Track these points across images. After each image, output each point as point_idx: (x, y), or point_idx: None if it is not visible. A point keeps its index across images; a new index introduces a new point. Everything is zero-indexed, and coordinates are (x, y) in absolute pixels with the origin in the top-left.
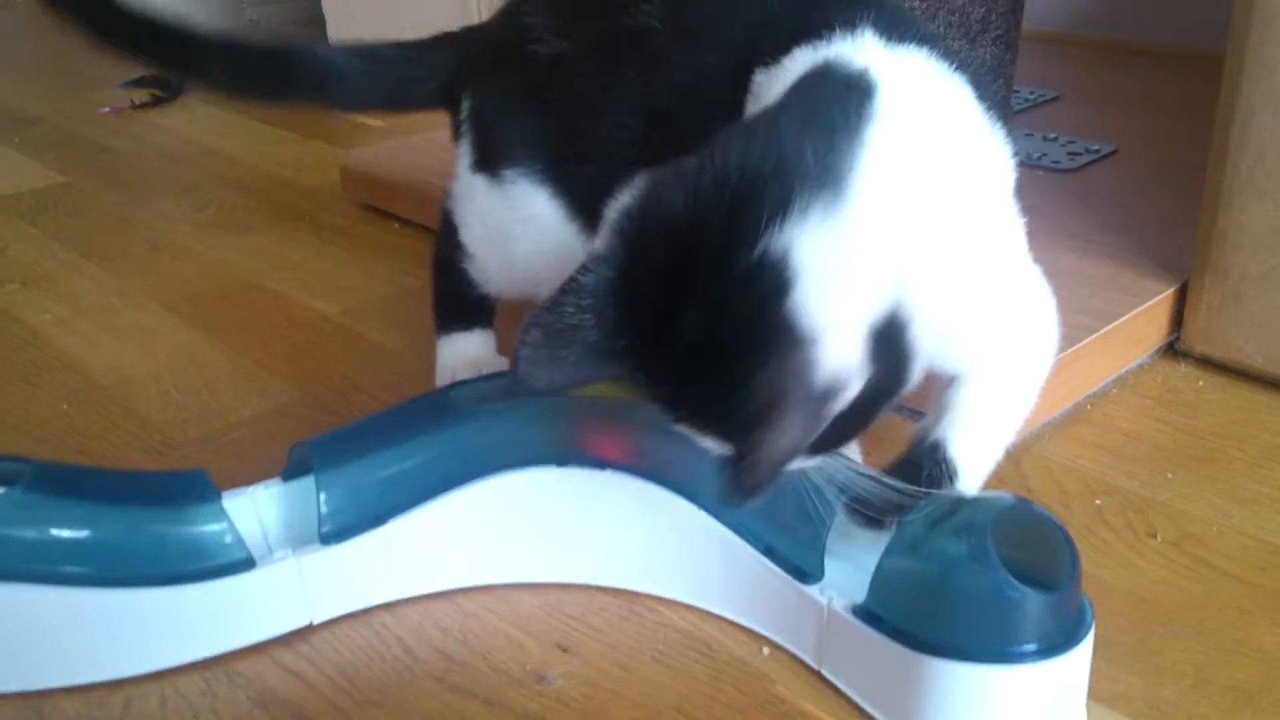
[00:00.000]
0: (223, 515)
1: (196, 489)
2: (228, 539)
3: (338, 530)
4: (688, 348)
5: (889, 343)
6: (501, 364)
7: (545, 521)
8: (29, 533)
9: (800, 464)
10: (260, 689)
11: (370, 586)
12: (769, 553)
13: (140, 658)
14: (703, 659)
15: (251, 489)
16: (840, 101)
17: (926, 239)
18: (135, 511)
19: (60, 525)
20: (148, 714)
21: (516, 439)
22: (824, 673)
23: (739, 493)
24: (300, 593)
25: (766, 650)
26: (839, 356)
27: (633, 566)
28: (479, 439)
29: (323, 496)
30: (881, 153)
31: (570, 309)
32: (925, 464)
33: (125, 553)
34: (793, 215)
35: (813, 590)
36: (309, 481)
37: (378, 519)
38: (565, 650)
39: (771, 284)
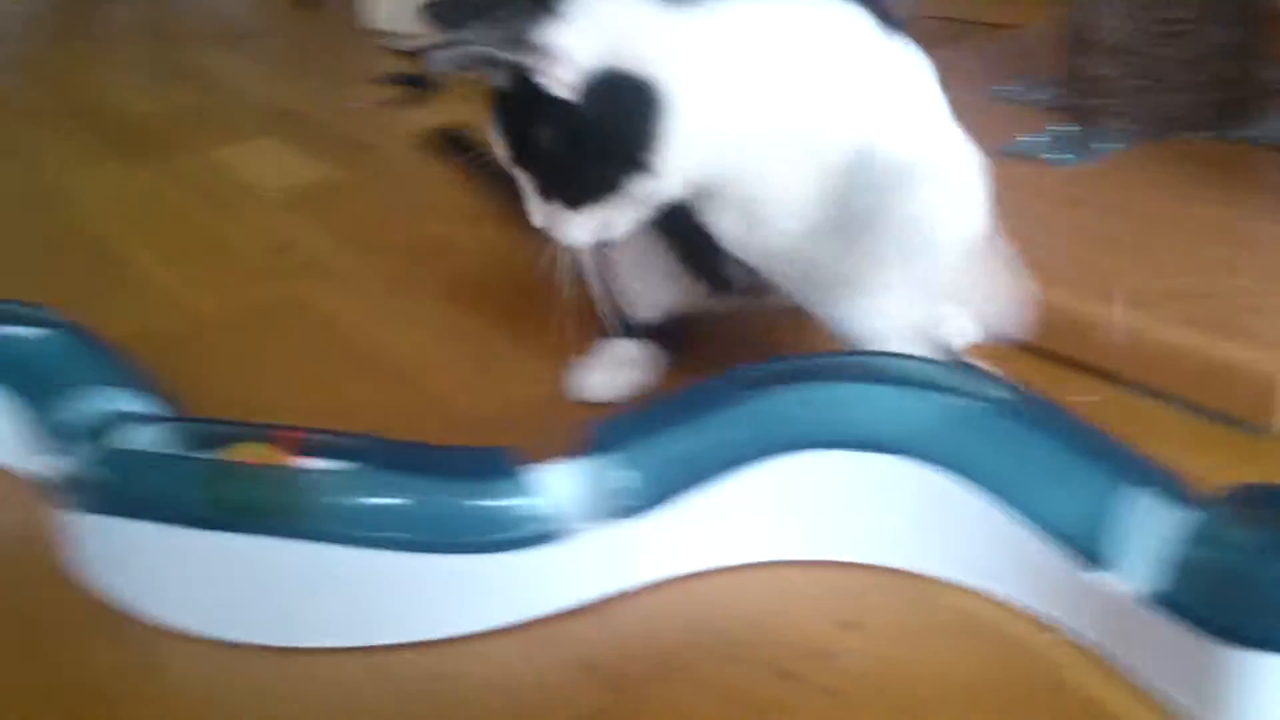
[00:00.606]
0: (532, 489)
1: (505, 464)
2: (538, 512)
3: (633, 507)
4: None
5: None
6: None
7: (823, 501)
8: (373, 502)
9: None
10: (573, 654)
11: (660, 562)
12: (1056, 536)
13: (465, 620)
14: (987, 641)
15: (548, 465)
16: None
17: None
18: (457, 484)
19: (395, 496)
20: (477, 671)
21: (797, 421)
22: (1112, 660)
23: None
24: (598, 566)
25: (1050, 634)
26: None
27: (909, 546)
28: (766, 420)
29: (619, 474)
30: None
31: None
32: None
33: (450, 522)
34: None
35: (1102, 575)
36: (604, 459)
37: (668, 496)
38: (848, 627)
39: None
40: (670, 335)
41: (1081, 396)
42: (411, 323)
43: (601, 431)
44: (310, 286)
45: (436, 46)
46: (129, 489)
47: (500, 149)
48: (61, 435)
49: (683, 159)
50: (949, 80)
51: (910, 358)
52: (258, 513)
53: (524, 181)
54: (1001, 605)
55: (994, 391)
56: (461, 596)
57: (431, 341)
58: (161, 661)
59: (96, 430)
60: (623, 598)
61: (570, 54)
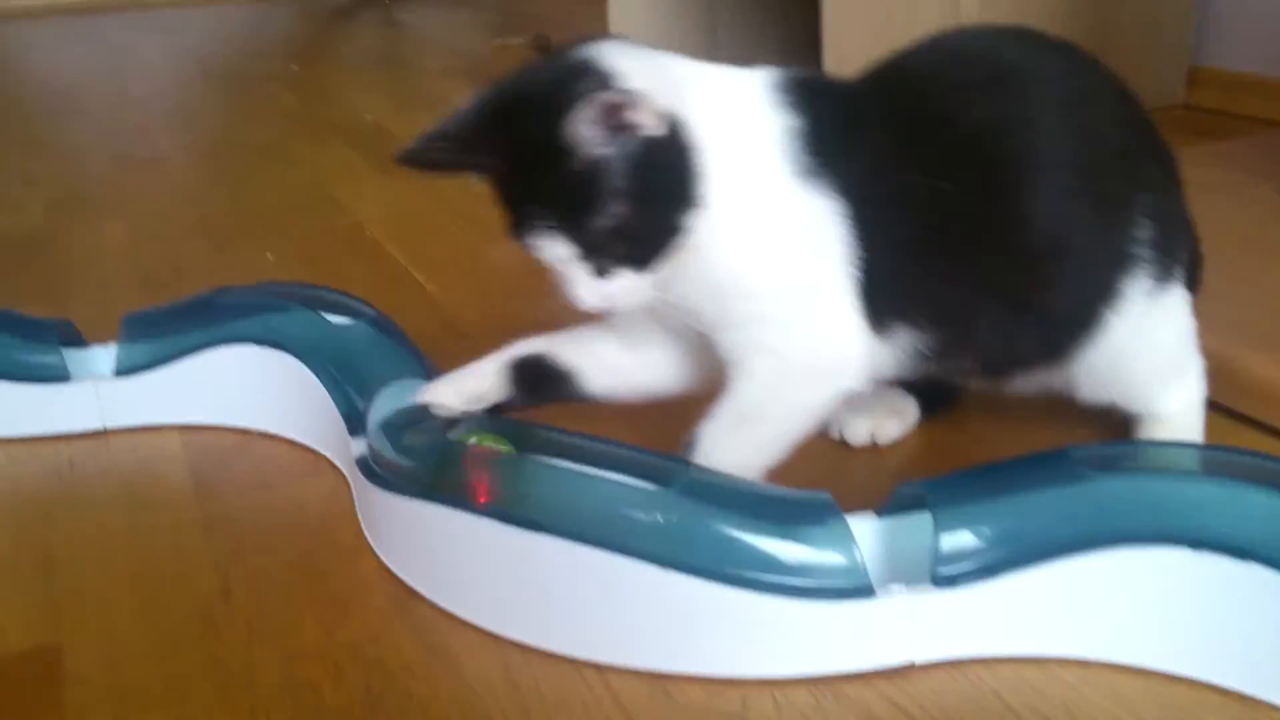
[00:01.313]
0: (853, 540)
1: (824, 510)
2: (854, 565)
3: (953, 575)
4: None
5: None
6: None
7: (1167, 605)
8: (680, 524)
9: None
10: (865, 714)
11: (972, 637)
12: None
13: (756, 661)
14: None
15: (853, 518)
16: None
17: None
18: (776, 525)
19: (706, 523)
20: (764, 714)
21: (1147, 511)
22: None
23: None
24: (908, 630)
25: None
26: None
27: (1259, 668)
28: (1106, 504)
29: (942, 538)
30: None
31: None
32: None
33: (756, 559)
34: None
35: None
36: (909, 520)
37: (991, 570)
38: None
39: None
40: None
41: None
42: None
43: (914, 492)
44: (563, 306)
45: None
46: (441, 477)
47: (558, 252)
48: (373, 422)
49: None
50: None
51: (1261, 455)
52: (560, 516)
53: (580, 274)
54: None
55: None
56: (756, 639)
57: None
58: (455, 652)
59: (407, 419)
60: (927, 669)
61: (650, 97)
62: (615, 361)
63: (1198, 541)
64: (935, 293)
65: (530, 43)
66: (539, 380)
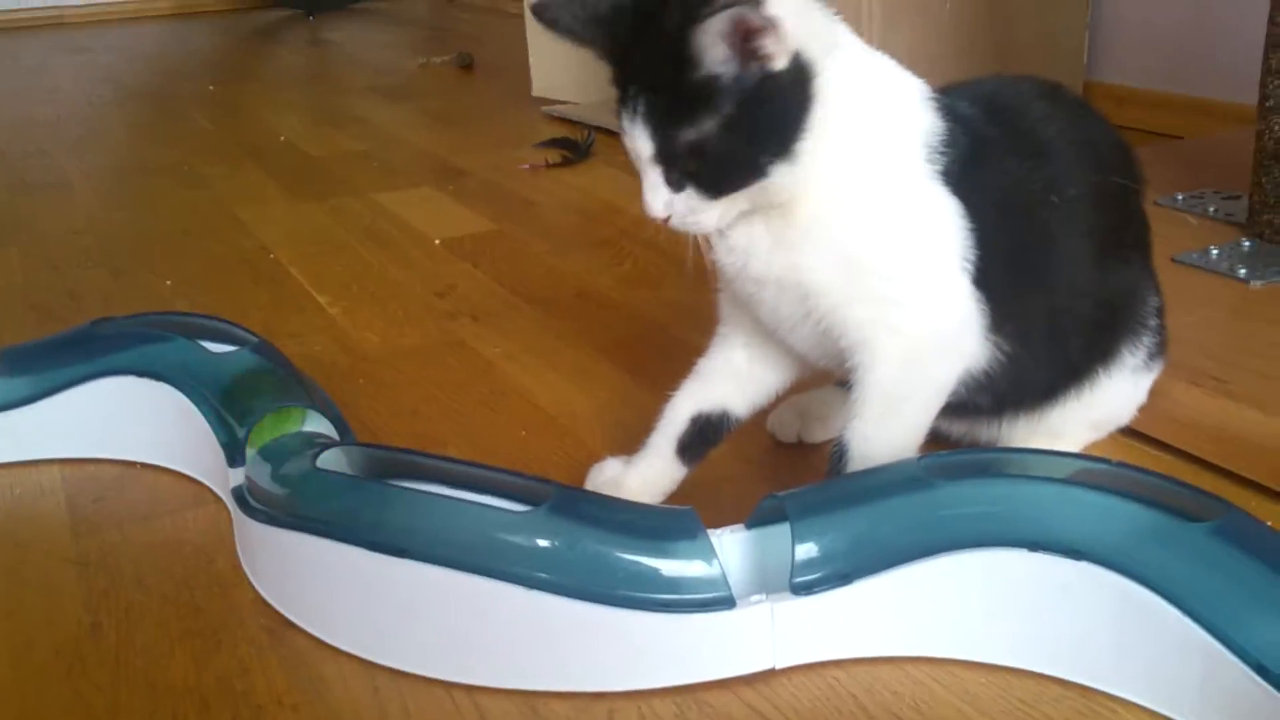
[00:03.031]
0: (714, 554)
1: (687, 526)
2: (716, 577)
3: (809, 583)
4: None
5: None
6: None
7: (1007, 603)
8: (548, 546)
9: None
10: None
11: (830, 641)
12: (1260, 671)
13: (623, 675)
14: None
15: (717, 532)
16: None
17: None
18: (642, 542)
19: (572, 543)
20: None
21: (989, 516)
22: None
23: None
24: (768, 637)
25: None
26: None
27: (1095, 661)
28: (951, 511)
29: (798, 548)
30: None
31: None
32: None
33: (623, 576)
34: None
35: None
36: (773, 531)
37: (846, 577)
38: None
39: None
40: None
41: None
42: (567, 373)
43: (775, 504)
44: (468, 329)
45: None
46: (311, 507)
47: (641, 146)
48: (250, 450)
49: (809, 155)
50: None
51: (1110, 463)
52: (429, 542)
53: (654, 177)
54: None
55: (1197, 506)
56: (621, 652)
57: (581, 394)
58: (327, 680)
59: (283, 447)
60: (787, 672)
61: (786, 29)
62: (749, 374)
63: (1034, 543)
64: (1017, 308)
65: (454, 60)
66: (704, 436)
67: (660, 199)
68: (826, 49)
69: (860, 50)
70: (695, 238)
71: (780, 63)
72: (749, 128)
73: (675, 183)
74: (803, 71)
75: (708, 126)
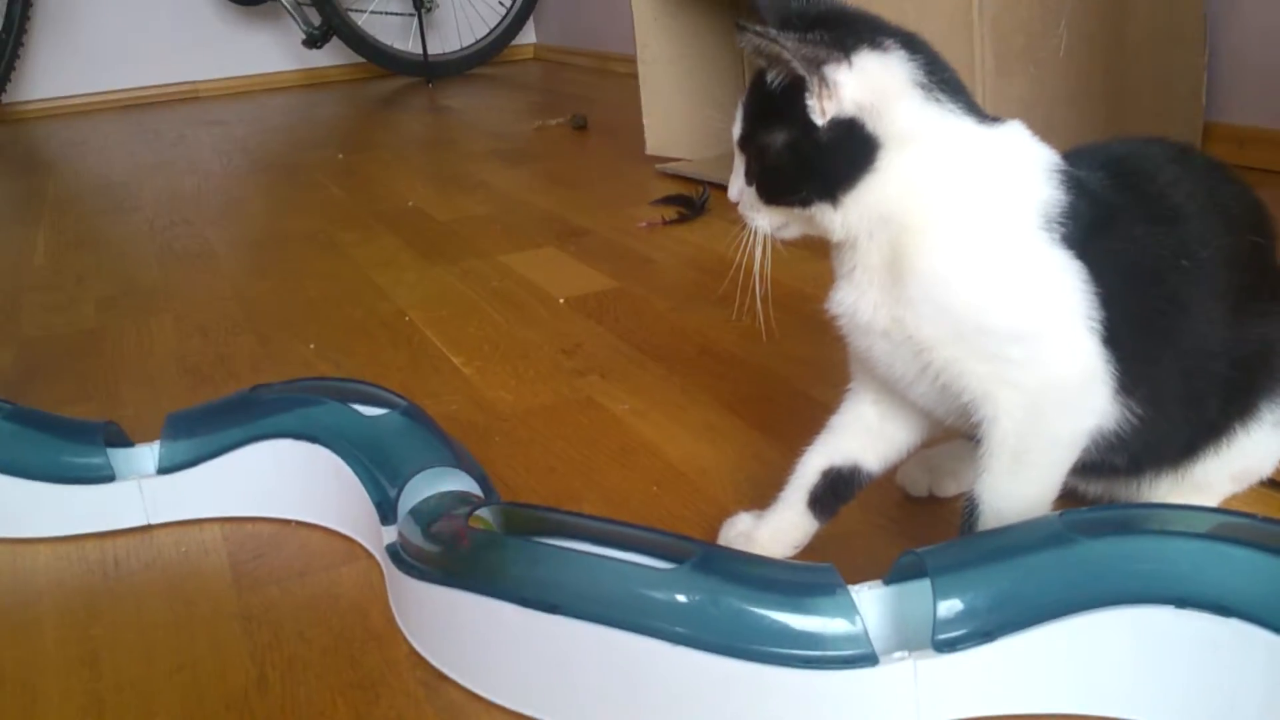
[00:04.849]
0: (855, 610)
1: (828, 582)
2: (858, 634)
3: (952, 640)
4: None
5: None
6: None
7: (1152, 661)
8: (692, 602)
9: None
10: None
11: (972, 698)
12: None
13: None
14: None
15: (857, 588)
16: None
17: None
18: (783, 599)
19: (715, 599)
20: None
21: (1133, 573)
22: None
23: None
24: (911, 694)
25: None
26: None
27: (1243, 719)
28: (1094, 567)
29: (940, 605)
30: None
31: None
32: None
33: (766, 632)
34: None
35: None
36: (912, 587)
37: (989, 634)
38: None
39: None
40: None
41: None
42: (696, 429)
43: (913, 560)
44: (597, 386)
45: (753, 32)
46: (463, 564)
47: (736, 125)
48: (403, 509)
49: (858, 211)
50: None
51: (1255, 517)
52: (578, 598)
53: (739, 160)
54: None
55: None
56: (770, 708)
57: (710, 449)
58: None
59: (435, 506)
60: None
61: (842, 95)
62: (880, 430)
63: (1181, 600)
64: (1148, 371)
65: (569, 122)
66: (835, 490)
67: (736, 184)
68: (904, 129)
69: (969, 129)
70: (759, 251)
71: (821, 119)
72: (804, 156)
73: (749, 175)
74: (863, 137)
75: (776, 138)
